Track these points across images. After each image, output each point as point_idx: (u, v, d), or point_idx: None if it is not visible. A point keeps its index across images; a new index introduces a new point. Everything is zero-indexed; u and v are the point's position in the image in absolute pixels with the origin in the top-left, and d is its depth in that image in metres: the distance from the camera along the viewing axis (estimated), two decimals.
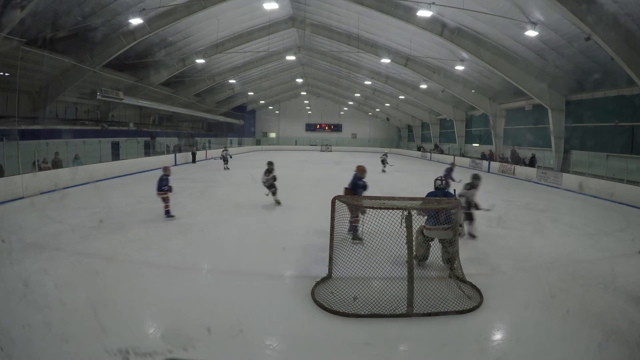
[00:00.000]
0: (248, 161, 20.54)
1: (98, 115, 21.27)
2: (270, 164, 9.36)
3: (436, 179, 5.89)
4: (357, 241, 5.60)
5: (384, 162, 19.00)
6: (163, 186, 7.70)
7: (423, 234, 5.04)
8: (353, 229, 5.92)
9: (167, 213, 7.83)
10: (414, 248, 4.10)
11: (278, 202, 9.35)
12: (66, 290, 4.24)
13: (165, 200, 7.81)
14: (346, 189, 6.37)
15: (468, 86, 20.90)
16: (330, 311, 3.83)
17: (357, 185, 6.30)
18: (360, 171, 6.43)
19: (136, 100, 20.89)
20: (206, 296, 4.26)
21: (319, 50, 24.57)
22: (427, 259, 5.03)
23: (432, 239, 5.05)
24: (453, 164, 11.15)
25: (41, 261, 5.11)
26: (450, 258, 4.77)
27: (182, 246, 6.07)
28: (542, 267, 5.30)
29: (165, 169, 8.00)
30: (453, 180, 9.19)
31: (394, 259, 4.26)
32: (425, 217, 5.01)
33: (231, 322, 3.59)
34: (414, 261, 4.82)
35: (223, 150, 20.31)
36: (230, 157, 19.95)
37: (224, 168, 19.02)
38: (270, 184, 9.24)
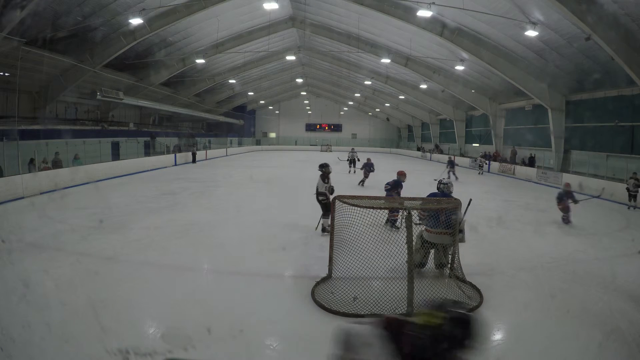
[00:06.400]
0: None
1: (98, 115, 21.26)
2: (323, 166, 6.98)
3: (439, 182, 5.59)
4: (395, 229, 6.18)
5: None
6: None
7: (422, 238, 4.76)
8: (392, 221, 6.53)
9: None
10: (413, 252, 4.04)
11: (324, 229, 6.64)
12: (66, 290, 4.24)
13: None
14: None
15: (468, 86, 20.90)
16: (330, 311, 3.83)
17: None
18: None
19: (136, 100, 20.89)
20: (206, 296, 4.25)
21: (319, 50, 24.55)
22: (424, 266, 4.81)
23: (432, 245, 4.72)
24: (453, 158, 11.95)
25: (41, 261, 5.10)
26: (443, 264, 4.70)
27: (182, 246, 6.06)
28: (542, 267, 5.30)
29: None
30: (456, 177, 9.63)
31: (393, 264, 4.21)
32: (423, 226, 4.83)
33: (231, 322, 3.58)
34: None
35: (350, 152, 17.81)
36: (359, 160, 16.48)
37: (350, 171, 16.49)
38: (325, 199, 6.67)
